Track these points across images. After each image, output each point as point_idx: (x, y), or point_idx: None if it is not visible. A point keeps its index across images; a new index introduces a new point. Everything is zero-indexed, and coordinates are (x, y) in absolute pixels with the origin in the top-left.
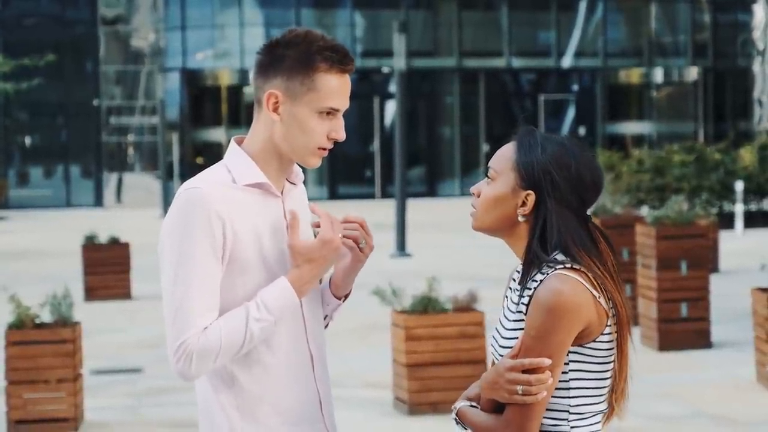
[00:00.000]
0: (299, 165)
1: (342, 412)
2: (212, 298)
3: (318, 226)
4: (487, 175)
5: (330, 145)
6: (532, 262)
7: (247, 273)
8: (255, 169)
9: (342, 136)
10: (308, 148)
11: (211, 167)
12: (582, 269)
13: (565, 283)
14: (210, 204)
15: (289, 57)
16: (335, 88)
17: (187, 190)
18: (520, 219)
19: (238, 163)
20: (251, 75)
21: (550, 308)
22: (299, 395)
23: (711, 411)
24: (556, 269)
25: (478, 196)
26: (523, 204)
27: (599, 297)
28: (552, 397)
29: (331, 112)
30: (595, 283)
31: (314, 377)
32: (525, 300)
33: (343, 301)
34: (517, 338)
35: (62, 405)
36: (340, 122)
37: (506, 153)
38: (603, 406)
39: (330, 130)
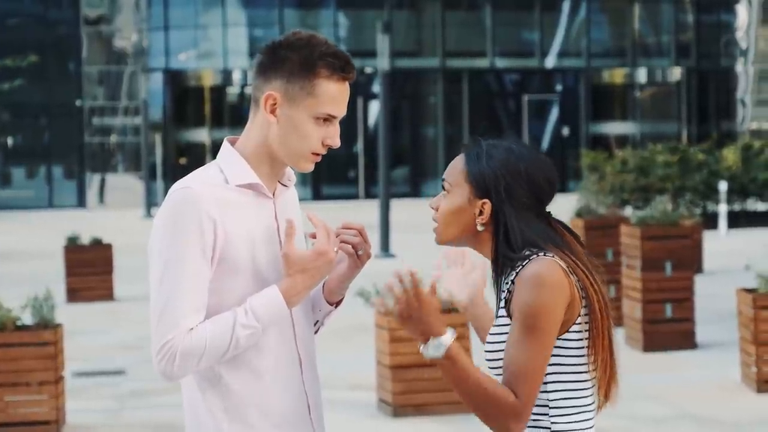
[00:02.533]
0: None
1: (326, 414)
2: (200, 299)
3: (314, 237)
4: (443, 188)
5: (324, 151)
6: (504, 264)
7: (236, 274)
8: (248, 170)
9: (337, 143)
10: (302, 153)
11: (204, 167)
12: (555, 257)
13: (543, 263)
14: (201, 204)
15: (291, 60)
16: (334, 95)
17: (178, 190)
18: (479, 228)
19: (230, 163)
20: (252, 74)
21: (537, 283)
22: (287, 398)
23: (696, 412)
24: (531, 259)
25: (437, 210)
26: (481, 213)
27: (576, 282)
28: None
29: (328, 119)
30: (567, 270)
31: (302, 381)
32: (504, 295)
33: (336, 307)
34: (501, 334)
35: (44, 408)
36: (336, 129)
37: (457, 165)
38: (589, 401)
39: (325, 137)
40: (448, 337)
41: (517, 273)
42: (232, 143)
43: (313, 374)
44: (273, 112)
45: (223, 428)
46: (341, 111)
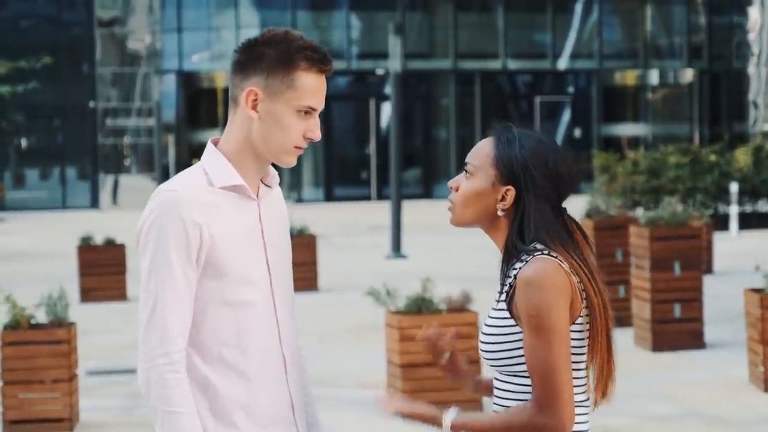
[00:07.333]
0: (274, 165)
1: (336, 413)
2: (188, 311)
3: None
4: (465, 170)
5: (305, 145)
6: (511, 254)
7: (220, 278)
8: (231, 171)
9: (318, 136)
10: (284, 147)
11: (189, 169)
12: (558, 257)
13: (546, 262)
14: (184, 209)
15: (269, 55)
16: (314, 88)
17: (163, 192)
18: (500, 213)
19: (214, 164)
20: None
21: (541, 284)
22: (272, 399)
23: (704, 411)
24: (534, 255)
25: (457, 191)
26: (503, 199)
27: (577, 283)
28: (522, 386)
29: (308, 111)
30: (569, 271)
31: (287, 381)
32: (506, 288)
33: None
34: (498, 326)
35: (57, 405)
36: (316, 122)
37: (484, 149)
38: (582, 397)
39: (306, 129)
40: (447, 421)
41: (519, 268)
42: (216, 144)
43: (297, 373)
44: (254, 107)
45: (209, 428)
46: (321, 103)
